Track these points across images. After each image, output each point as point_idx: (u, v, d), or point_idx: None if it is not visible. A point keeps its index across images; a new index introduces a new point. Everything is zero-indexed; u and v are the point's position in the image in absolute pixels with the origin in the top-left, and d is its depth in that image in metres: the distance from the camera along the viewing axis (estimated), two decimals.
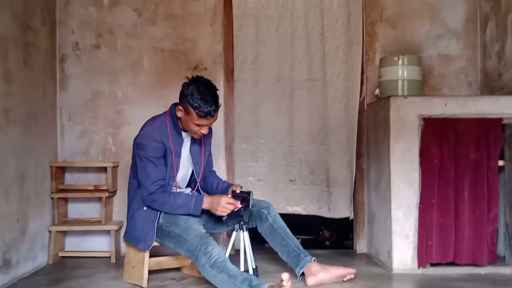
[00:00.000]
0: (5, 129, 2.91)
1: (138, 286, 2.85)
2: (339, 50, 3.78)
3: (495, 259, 3.14)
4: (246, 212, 2.81)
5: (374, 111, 3.53)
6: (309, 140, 3.81)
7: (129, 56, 3.73)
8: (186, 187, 3.00)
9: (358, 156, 3.76)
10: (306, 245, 3.10)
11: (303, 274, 2.84)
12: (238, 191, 2.78)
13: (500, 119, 3.11)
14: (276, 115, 3.81)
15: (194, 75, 2.78)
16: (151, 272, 2.93)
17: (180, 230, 2.69)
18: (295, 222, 3.49)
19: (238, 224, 2.78)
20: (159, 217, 2.80)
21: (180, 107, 2.74)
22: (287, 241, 2.89)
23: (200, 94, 2.65)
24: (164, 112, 2.90)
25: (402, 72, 3.47)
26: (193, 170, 2.97)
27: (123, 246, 3.37)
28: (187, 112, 2.70)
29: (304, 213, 3.83)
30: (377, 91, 3.66)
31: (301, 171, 3.81)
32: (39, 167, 3.34)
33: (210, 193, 3.02)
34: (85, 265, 3.36)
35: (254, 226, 2.96)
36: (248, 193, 2.74)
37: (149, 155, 2.73)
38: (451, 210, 3.08)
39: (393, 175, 3.11)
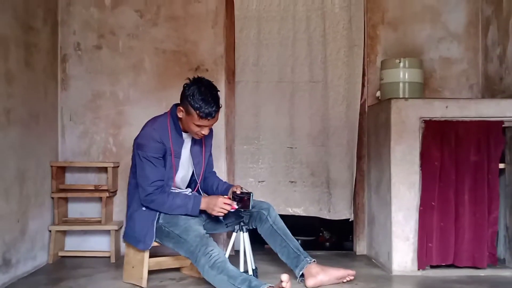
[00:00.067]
0: (6, 129, 2.92)
1: (138, 286, 2.85)
2: (341, 52, 3.78)
3: (495, 262, 3.13)
4: (246, 213, 2.82)
5: (375, 113, 3.53)
6: (309, 142, 3.81)
7: (131, 57, 3.73)
8: (186, 188, 3.00)
9: (359, 158, 3.75)
10: (306, 246, 3.10)
11: (302, 275, 2.84)
12: (238, 192, 2.78)
13: (501, 122, 3.11)
14: (277, 117, 3.81)
15: (196, 76, 2.79)
16: (150, 272, 2.93)
17: (180, 231, 2.69)
18: (295, 223, 3.48)
19: (238, 225, 2.78)
20: (158, 218, 2.80)
21: (181, 108, 2.74)
22: (287, 242, 2.89)
23: (201, 95, 2.66)
24: (165, 113, 2.90)
25: (403, 74, 3.48)
26: (193, 171, 2.97)
27: (123, 246, 3.37)
28: (188, 112, 2.70)
29: (304, 214, 3.83)
30: (378, 93, 3.66)
31: (302, 173, 3.81)
32: (39, 167, 3.34)
33: (210, 194, 3.03)
34: (85, 265, 3.36)
35: (254, 227, 2.96)
36: (249, 194, 2.74)
37: (149, 155, 2.73)
38: (451, 213, 3.08)
39: (393, 177, 3.11)
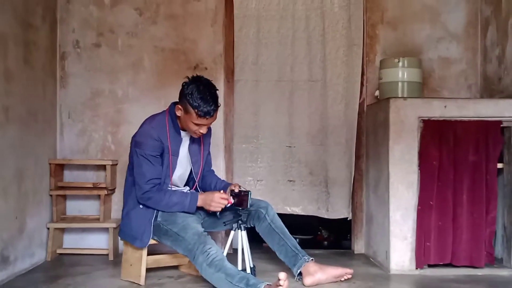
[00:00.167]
0: (5, 127, 2.92)
1: (136, 284, 2.85)
2: (340, 51, 3.78)
3: (493, 261, 3.14)
4: (244, 212, 2.82)
5: (373, 112, 3.53)
6: (308, 141, 3.81)
7: (130, 55, 3.73)
8: (184, 186, 3.00)
9: (357, 157, 3.76)
10: (304, 245, 3.09)
11: (300, 273, 2.84)
12: (236, 190, 2.79)
13: (500, 122, 3.11)
14: (276, 116, 3.81)
15: (194, 75, 2.79)
16: (148, 270, 2.93)
17: (178, 229, 2.70)
18: (293, 222, 3.49)
19: (236, 224, 2.78)
20: (156, 216, 2.80)
21: (180, 106, 2.74)
22: (285, 241, 2.89)
23: (199, 94, 2.66)
24: (163, 111, 2.90)
25: (402, 74, 3.48)
26: (191, 169, 2.97)
27: (121, 244, 3.36)
28: (186, 111, 2.70)
29: (302, 213, 3.83)
30: (377, 93, 3.66)
31: (300, 172, 3.81)
32: (38, 164, 3.34)
33: None
34: (83, 263, 3.36)
35: (252, 225, 2.96)
36: (247, 192, 2.74)
37: (146, 153, 2.73)
38: (449, 212, 3.08)
39: (392, 177, 3.12)
